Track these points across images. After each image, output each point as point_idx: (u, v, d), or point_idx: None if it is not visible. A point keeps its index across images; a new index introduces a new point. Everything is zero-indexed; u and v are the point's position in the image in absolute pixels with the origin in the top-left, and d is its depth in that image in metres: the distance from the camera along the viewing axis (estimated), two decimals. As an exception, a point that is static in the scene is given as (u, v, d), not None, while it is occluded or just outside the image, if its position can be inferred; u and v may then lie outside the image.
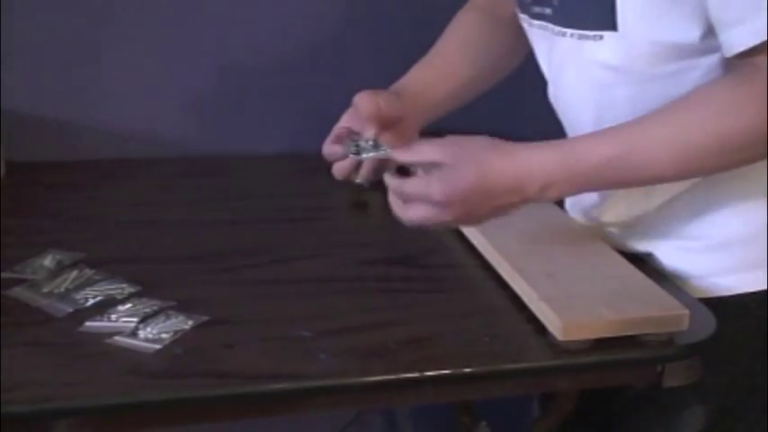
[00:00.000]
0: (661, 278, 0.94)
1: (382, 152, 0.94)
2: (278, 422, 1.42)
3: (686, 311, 0.84)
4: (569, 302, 0.85)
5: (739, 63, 0.82)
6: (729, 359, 0.95)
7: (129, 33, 1.37)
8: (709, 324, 0.87)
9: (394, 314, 0.90)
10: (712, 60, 0.86)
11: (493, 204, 0.85)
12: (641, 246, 1.00)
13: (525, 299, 0.89)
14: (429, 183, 0.85)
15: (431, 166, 0.86)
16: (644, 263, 0.98)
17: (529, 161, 0.84)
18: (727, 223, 0.94)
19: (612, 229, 1.02)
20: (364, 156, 0.96)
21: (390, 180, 0.89)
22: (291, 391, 0.79)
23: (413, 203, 0.86)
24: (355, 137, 0.98)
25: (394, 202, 0.88)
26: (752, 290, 0.94)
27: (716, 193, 0.93)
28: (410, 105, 1.03)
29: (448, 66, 1.10)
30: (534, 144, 0.86)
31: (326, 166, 1.28)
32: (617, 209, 0.99)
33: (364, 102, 0.97)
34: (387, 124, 0.98)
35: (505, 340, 0.85)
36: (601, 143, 0.84)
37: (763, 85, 0.80)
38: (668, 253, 0.98)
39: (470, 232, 1.04)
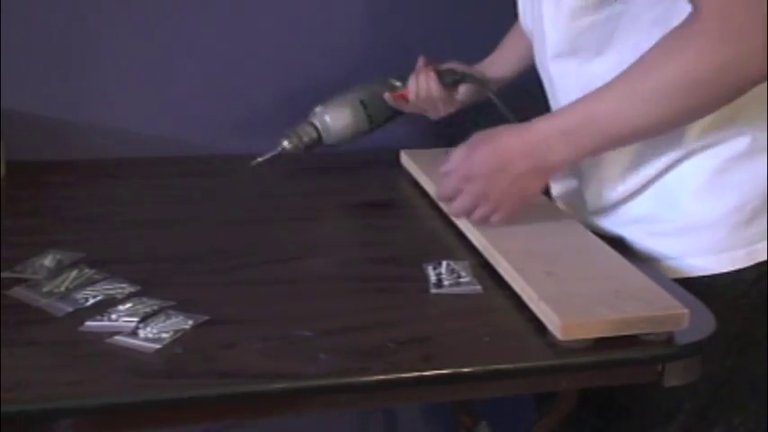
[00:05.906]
0: (661, 277, 0.94)
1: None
2: (278, 422, 1.43)
3: (686, 311, 0.84)
4: (569, 302, 0.85)
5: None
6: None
7: (128, 33, 1.37)
8: (708, 323, 0.87)
9: (394, 314, 0.90)
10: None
11: (512, 173, 0.97)
12: (616, 229, 1.07)
13: (525, 298, 0.89)
14: (452, 160, 1.01)
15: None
16: (627, 250, 1.03)
17: (533, 131, 0.96)
18: (693, 209, 1.00)
19: (593, 216, 1.10)
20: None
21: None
22: (291, 391, 0.78)
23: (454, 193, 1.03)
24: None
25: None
26: (718, 271, 1.00)
27: (682, 181, 1.00)
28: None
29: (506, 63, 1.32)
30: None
31: (326, 166, 1.29)
32: (596, 193, 1.07)
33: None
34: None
35: (505, 340, 0.85)
36: (567, 113, 0.95)
37: (694, 29, 0.86)
38: (639, 236, 1.04)
39: (471, 232, 1.05)
